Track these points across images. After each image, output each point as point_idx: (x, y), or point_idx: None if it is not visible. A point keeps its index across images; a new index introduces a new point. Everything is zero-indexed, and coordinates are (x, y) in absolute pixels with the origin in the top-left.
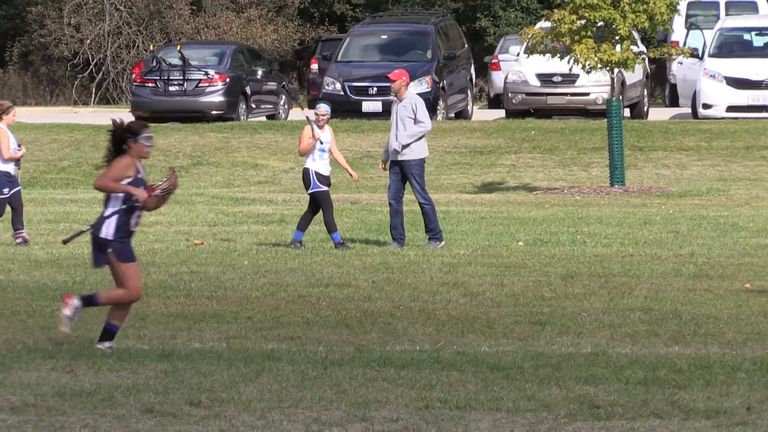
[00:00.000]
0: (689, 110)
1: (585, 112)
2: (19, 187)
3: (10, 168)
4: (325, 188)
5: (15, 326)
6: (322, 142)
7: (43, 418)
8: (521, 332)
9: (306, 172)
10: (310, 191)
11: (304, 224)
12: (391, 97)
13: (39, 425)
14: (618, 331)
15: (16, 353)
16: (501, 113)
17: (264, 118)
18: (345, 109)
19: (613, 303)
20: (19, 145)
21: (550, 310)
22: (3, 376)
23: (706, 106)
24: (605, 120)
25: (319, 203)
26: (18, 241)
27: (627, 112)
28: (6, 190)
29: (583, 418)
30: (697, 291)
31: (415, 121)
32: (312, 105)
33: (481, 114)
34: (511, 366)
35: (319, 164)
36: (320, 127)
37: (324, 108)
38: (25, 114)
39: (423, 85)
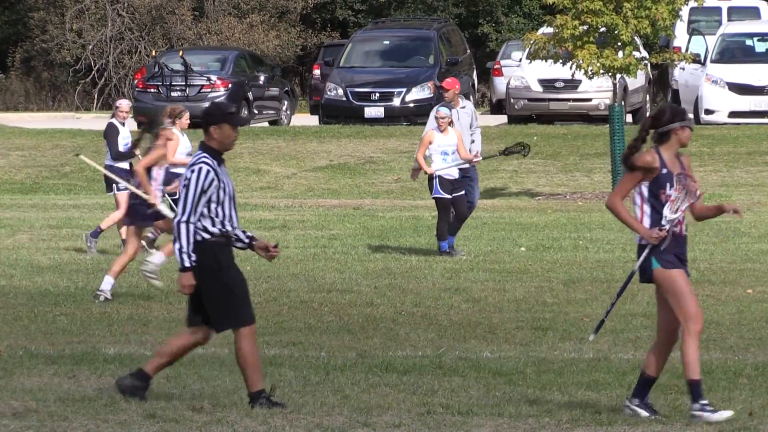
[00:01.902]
0: (691, 116)
1: (587, 117)
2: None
3: (183, 170)
4: (446, 195)
5: (17, 332)
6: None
7: (46, 423)
8: (523, 338)
9: (430, 177)
10: (432, 196)
11: (451, 229)
12: (393, 104)
13: (41, 431)
14: (620, 337)
15: (18, 358)
16: (503, 119)
17: (266, 124)
18: (347, 114)
19: (615, 308)
20: (189, 154)
21: (552, 316)
22: (5, 381)
23: (708, 112)
24: (607, 126)
25: (437, 208)
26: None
27: (629, 118)
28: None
29: (585, 424)
30: (699, 296)
31: (473, 127)
32: (314, 111)
33: (484, 119)
34: (513, 371)
35: (442, 168)
36: (442, 131)
37: (444, 111)
38: (26, 119)
39: (425, 90)
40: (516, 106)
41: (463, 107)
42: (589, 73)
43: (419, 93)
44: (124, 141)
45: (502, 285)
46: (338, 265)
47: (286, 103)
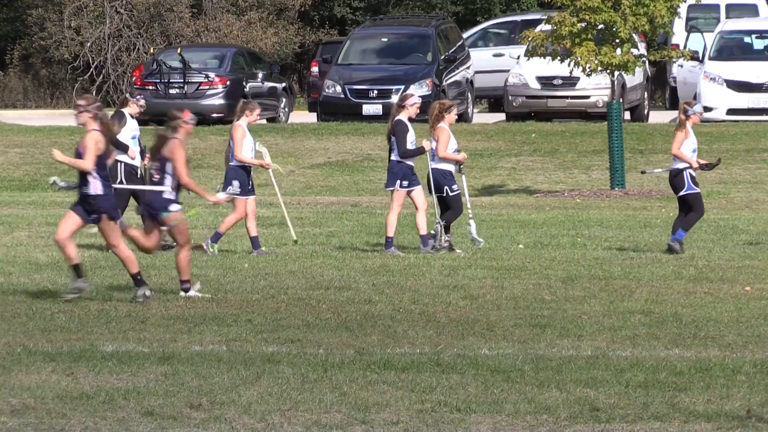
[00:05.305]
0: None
1: (585, 114)
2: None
3: (449, 167)
4: (698, 190)
5: (15, 329)
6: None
7: (44, 420)
8: (521, 335)
9: (678, 172)
10: (682, 193)
11: (681, 223)
12: (391, 101)
13: (39, 428)
14: (618, 334)
15: (16, 356)
16: (501, 116)
17: (265, 121)
18: (345, 111)
19: (614, 306)
20: (458, 151)
21: (550, 313)
22: (3, 378)
23: (706, 109)
24: (605, 123)
25: (690, 205)
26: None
27: (627, 115)
28: (455, 187)
29: (584, 421)
30: (698, 294)
31: None
32: (312, 108)
33: (482, 117)
34: (511, 369)
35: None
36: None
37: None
38: (25, 117)
39: (423, 87)
40: (514, 104)
41: None
42: (587, 70)
43: (417, 90)
44: (411, 138)
45: (500, 282)
46: (336, 263)
47: (284, 100)
